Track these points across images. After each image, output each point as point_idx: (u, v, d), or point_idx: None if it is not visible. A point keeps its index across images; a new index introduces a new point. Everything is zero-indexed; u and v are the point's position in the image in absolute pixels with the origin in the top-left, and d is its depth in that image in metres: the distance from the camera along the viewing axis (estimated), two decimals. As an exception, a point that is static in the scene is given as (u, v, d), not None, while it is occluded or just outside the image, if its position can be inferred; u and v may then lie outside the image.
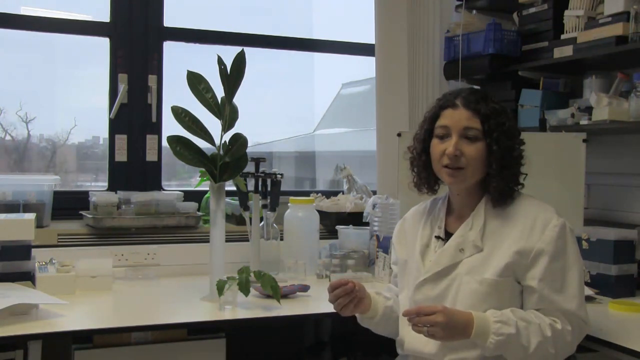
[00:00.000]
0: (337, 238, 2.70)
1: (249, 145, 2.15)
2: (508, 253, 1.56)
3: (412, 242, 1.74)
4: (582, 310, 1.57)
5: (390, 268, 1.99)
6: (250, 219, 2.48)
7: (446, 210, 1.72)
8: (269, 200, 2.52)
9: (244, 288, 2.00)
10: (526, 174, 1.67)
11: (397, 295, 1.80)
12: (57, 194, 2.66)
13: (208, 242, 2.19)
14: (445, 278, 1.62)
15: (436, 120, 1.66)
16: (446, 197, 1.75)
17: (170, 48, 2.93)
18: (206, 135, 2.11)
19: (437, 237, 1.69)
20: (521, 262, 1.56)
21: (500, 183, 1.61)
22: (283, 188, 2.55)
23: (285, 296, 2.15)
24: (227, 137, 2.12)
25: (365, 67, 3.29)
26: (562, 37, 2.60)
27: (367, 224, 2.67)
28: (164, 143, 2.81)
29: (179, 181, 3.43)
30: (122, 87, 2.81)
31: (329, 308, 2.18)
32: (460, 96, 1.64)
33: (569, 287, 1.55)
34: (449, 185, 1.69)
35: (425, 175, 1.72)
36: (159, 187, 2.89)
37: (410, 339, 1.64)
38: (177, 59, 2.95)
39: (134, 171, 2.85)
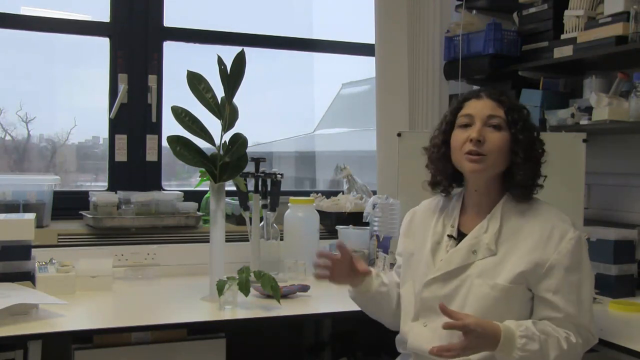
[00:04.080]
0: (337, 238, 2.70)
1: (249, 145, 2.15)
2: (523, 261, 1.55)
3: (422, 236, 1.72)
4: (592, 325, 1.57)
5: (391, 267, 1.99)
6: (250, 219, 2.48)
7: (460, 208, 1.71)
8: (269, 200, 2.52)
9: (244, 288, 2.00)
10: (545, 176, 1.66)
11: (396, 285, 1.80)
12: (57, 194, 2.66)
13: (208, 242, 2.19)
14: (456, 278, 1.61)
15: (459, 112, 1.67)
16: (461, 195, 1.73)
17: (170, 48, 2.93)
18: (206, 135, 2.11)
19: (450, 236, 1.67)
20: (535, 272, 1.55)
21: (526, 173, 1.60)
22: (283, 188, 2.54)
23: (285, 296, 2.15)
24: (227, 137, 2.12)
25: (365, 67, 3.29)
26: (562, 37, 2.60)
27: (367, 224, 2.67)
28: (164, 143, 2.81)
29: (179, 181, 3.43)
30: (122, 87, 2.81)
31: (329, 308, 2.21)
32: (483, 90, 1.68)
33: (584, 301, 1.55)
34: (469, 175, 1.65)
35: (442, 167, 1.69)
36: (159, 187, 2.89)
37: (412, 336, 1.64)
38: (177, 59, 2.95)
39: (134, 171, 2.85)
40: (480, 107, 1.63)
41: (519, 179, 1.61)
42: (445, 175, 1.70)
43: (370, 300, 1.77)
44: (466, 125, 1.63)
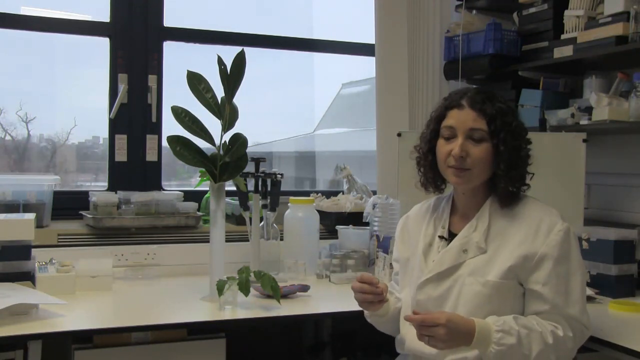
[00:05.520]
0: (337, 238, 2.70)
1: (249, 145, 2.15)
2: (512, 256, 1.56)
3: (415, 240, 1.74)
4: (584, 316, 1.57)
5: (391, 267, 1.99)
6: (250, 219, 2.48)
7: (450, 209, 1.72)
8: (269, 200, 2.52)
9: (244, 288, 2.00)
10: (533, 174, 1.66)
11: (398, 293, 1.80)
12: (57, 194, 2.66)
13: (208, 242, 2.19)
14: (448, 279, 1.61)
15: (442, 121, 1.66)
16: (450, 197, 1.74)
17: (170, 48, 2.93)
18: (206, 135, 2.11)
19: (441, 237, 1.68)
20: (525, 265, 1.56)
21: (507, 184, 1.60)
22: (283, 188, 2.54)
23: (285, 296, 2.15)
24: (227, 137, 2.12)
25: (365, 67, 3.29)
26: (562, 37, 2.60)
27: (367, 224, 2.67)
28: (164, 143, 2.81)
29: (179, 181, 3.43)
30: (122, 87, 2.81)
31: (329, 308, 2.21)
32: (466, 96, 1.63)
33: (572, 292, 1.55)
34: (455, 186, 1.69)
35: (431, 175, 1.71)
36: (159, 187, 2.89)
37: (410, 338, 1.64)
38: (177, 59, 2.95)
39: (134, 171, 2.85)
40: (462, 119, 1.61)
41: (499, 189, 1.62)
42: (433, 181, 1.72)
43: (389, 319, 1.75)
44: (449, 137, 1.63)
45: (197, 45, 3.02)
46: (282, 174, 2.51)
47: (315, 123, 3.84)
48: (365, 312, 1.78)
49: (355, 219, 2.74)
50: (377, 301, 1.69)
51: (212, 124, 2.12)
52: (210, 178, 2.14)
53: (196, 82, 2.09)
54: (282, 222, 2.64)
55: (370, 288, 1.67)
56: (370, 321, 1.80)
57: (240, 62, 2.09)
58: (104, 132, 2.93)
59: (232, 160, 2.13)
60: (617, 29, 2.32)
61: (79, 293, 2.15)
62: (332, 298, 2.30)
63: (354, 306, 1.82)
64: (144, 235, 2.61)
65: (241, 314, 2.01)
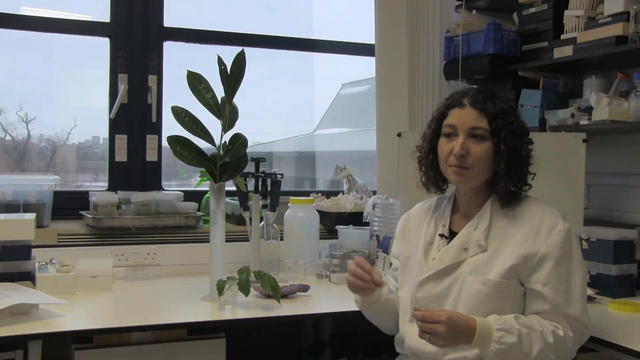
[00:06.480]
0: (337, 238, 2.70)
1: (249, 145, 2.15)
2: (513, 255, 1.56)
3: (416, 238, 1.74)
4: (584, 316, 1.57)
5: (391, 266, 1.99)
6: (250, 219, 2.48)
7: (452, 208, 1.73)
8: (269, 200, 2.52)
9: (244, 288, 2.00)
10: (534, 174, 1.66)
11: (395, 288, 1.80)
12: (57, 194, 2.66)
13: (208, 242, 2.19)
14: (448, 277, 1.62)
15: (443, 120, 1.67)
16: (452, 196, 1.75)
17: (170, 48, 2.93)
18: (206, 135, 2.11)
19: (441, 235, 1.69)
20: (526, 265, 1.56)
21: (507, 183, 1.61)
22: (283, 188, 2.54)
23: (285, 296, 2.15)
24: (227, 137, 2.12)
25: (365, 67, 3.29)
26: (562, 37, 2.60)
27: (367, 224, 2.67)
28: (164, 143, 2.81)
29: (179, 181, 3.43)
30: (122, 87, 2.81)
31: (329, 308, 2.21)
32: (467, 95, 1.64)
33: (573, 292, 1.55)
34: (456, 185, 1.69)
35: (432, 175, 1.72)
36: (159, 187, 2.89)
37: (410, 337, 1.65)
38: (177, 59, 2.95)
39: (134, 171, 2.85)
40: (463, 118, 1.62)
41: (500, 189, 1.62)
42: (434, 180, 1.73)
43: (378, 308, 1.76)
44: (450, 135, 1.64)
45: (197, 45, 3.02)
46: (282, 174, 2.51)
47: (315, 123, 3.84)
48: (355, 297, 1.78)
49: (355, 219, 2.74)
50: (367, 288, 1.69)
51: (212, 124, 2.12)
52: (210, 178, 2.14)
53: (196, 82, 2.09)
54: (282, 222, 2.64)
55: (361, 273, 1.67)
56: (358, 307, 1.80)
57: (240, 62, 2.09)
58: (104, 132, 2.93)
59: (232, 160, 2.13)
60: (617, 29, 2.32)
61: (79, 293, 2.15)
62: (332, 298, 2.30)
63: (354, 306, 1.83)
64: (144, 235, 2.61)
65: (241, 314, 2.01)
